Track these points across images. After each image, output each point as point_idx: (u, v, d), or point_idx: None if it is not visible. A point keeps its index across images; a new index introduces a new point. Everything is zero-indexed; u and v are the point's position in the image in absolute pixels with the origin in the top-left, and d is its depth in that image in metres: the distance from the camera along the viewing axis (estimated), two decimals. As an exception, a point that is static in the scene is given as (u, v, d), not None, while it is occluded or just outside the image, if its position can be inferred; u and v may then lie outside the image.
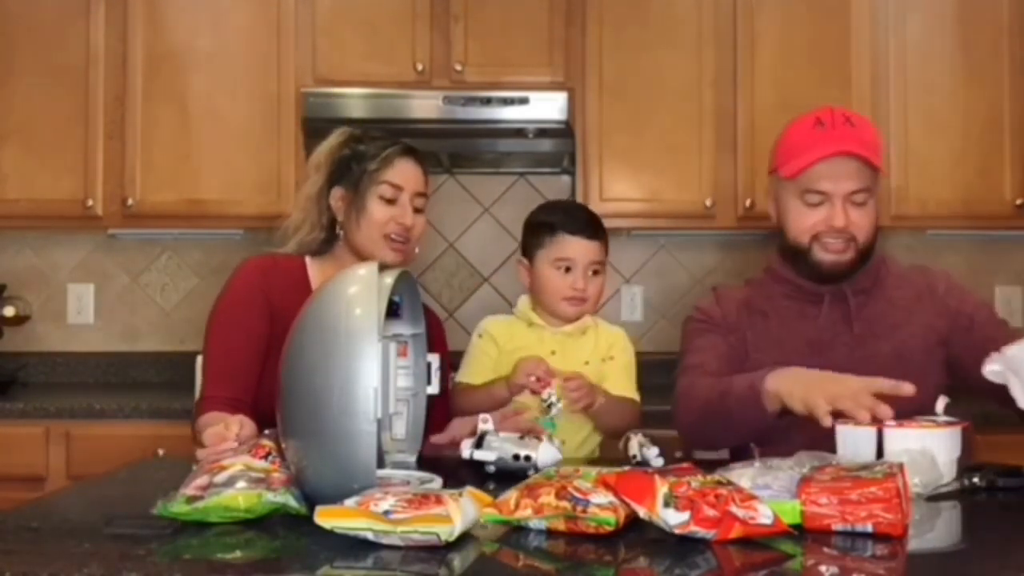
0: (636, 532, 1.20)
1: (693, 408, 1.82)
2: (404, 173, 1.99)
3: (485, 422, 1.70)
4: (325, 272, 1.98)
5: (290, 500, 1.30)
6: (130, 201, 3.15)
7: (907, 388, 1.53)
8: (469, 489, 1.24)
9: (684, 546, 1.15)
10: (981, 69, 3.17)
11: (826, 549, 1.16)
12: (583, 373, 2.00)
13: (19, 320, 3.38)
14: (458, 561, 1.12)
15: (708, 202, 3.15)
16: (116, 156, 3.16)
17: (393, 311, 1.58)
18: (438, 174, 3.48)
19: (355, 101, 3.07)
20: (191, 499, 1.27)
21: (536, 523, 1.22)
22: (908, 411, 1.56)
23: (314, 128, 2.90)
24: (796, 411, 1.61)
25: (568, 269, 2.06)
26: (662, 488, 1.17)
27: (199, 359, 2.05)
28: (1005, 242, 3.44)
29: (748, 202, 3.14)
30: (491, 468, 1.63)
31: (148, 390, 3.21)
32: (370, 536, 1.14)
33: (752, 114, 3.17)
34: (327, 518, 1.16)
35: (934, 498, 1.44)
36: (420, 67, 3.13)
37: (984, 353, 1.56)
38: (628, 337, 2.16)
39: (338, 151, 2.02)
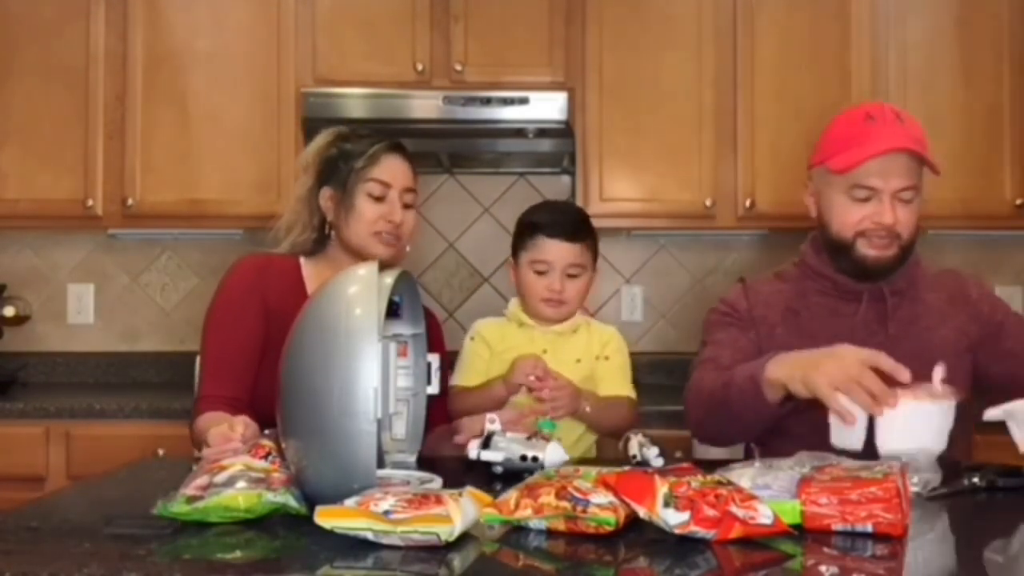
0: (636, 532, 1.20)
1: (700, 402, 1.81)
2: (391, 170, 1.98)
3: (492, 422, 1.70)
4: (319, 272, 1.98)
5: (290, 500, 1.30)
6: (130, 201, 3.15)
7: (904, 374, 1.51)
8: (469, 489, 1.24)
9: (684, 546, 1.15)
10: (981, 69, 3.17)
11: (826, 549, 1.16)
12: (568, 379, 2.00)
13: (19, 320, 3.38)
14: (458, 561, 1.12)
15: (708, 202, 3.15)
16: (116, 156, 3.16)
17: (393, 311, 1.58)
18: (438, 174, 3.48)
19: (355, 101, 3.07)
20: (191, 499, 1.27)
21: (536, 523, 1.22)
22: None
23: (314, 128, 2.85)
24: (800, 395, 1.60)
25: (545, 271, 2.06)
26: (662, 488, 1.17)
27: (199, 359, 2.05)
28: (1005, 242, 3.44)
29: (748, 202, 3.14)
30: (498, 469, 1.63)
31: (148, 390, 3.21)
32: (370, 536, 1.14)
33: (752, 114, 3.16)
34: (327, 518, 1.16)
35: (934, 498, 1.44)
36: (420, 67, 3.13)
37: (1010, 363, 1.56)
38: (621, 336, 2.16)
39: (325, 151, 2.01)
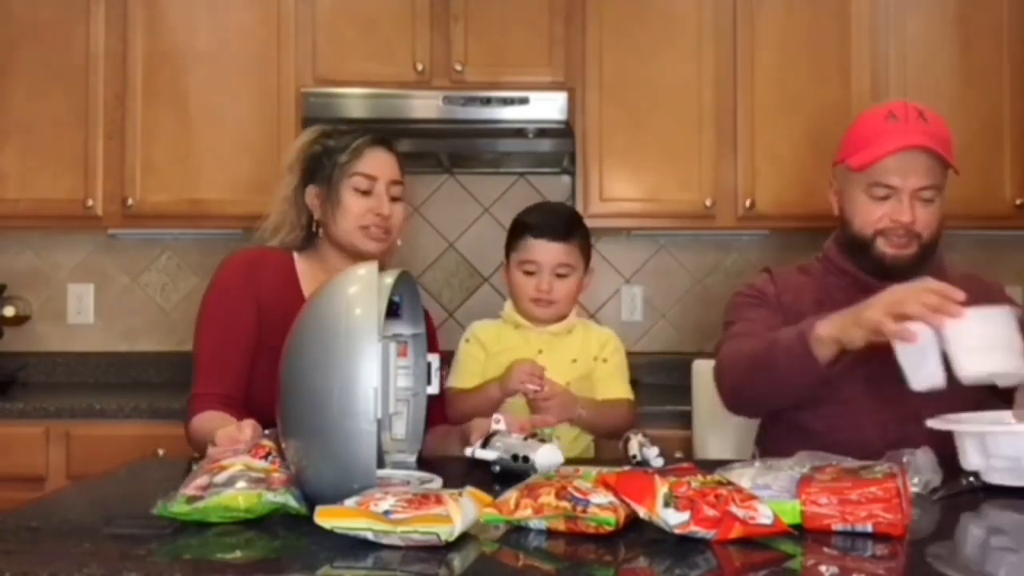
0: (636, 532, 1.20)
1: (738, 365, 1.79)
2: (376, 162, 1.96)
3: (498, 422, 1.70)
4: (312, 267, 1.97)
5: (290, 500, 1.30)
6: (130, 201, 3.15)
7: (959, 293, 1.51)
8: (469, 489, 1.24)
9: (684, 546, 1.15)
10: (981, 69, 3.17)
11: (826, 549, 1.16)
12: (562, 386, 2.00)
13: (19, 320, 3.38)
14: (458, 561, 1.12)
15: (708, 202, 3.15)
16: (116, 156, 3.16)
17: (393, 311, 1.58)
18: (438, 174, 3.48)
19: (355, 101, 3.07)
20: (191, 499, 1.27)
21: (536, 523, 1.22)
22: (956, 410, 1.55)
23: (314, 128, 2.90)
24: (856, 344, 1.59)
25: (534, 271, 2.07)
26: (662, 488, 1.17)
27: (193, 356, 2.04)
28: (1005, 242, 3.44)
29: (748, 202, 3.15)
30: (496, 468, 1.63)
31: (148, 390, 3.21)
32: (370, 536, 1.14)
33: (752, 114, 3.16)
34: (327, 518, 1.16)
35: (934, 498, 1.44)
36: (420, 67, 3.13)
37: None
38: (618, 337, 2.17)
39: (309, 148, 1.99)
